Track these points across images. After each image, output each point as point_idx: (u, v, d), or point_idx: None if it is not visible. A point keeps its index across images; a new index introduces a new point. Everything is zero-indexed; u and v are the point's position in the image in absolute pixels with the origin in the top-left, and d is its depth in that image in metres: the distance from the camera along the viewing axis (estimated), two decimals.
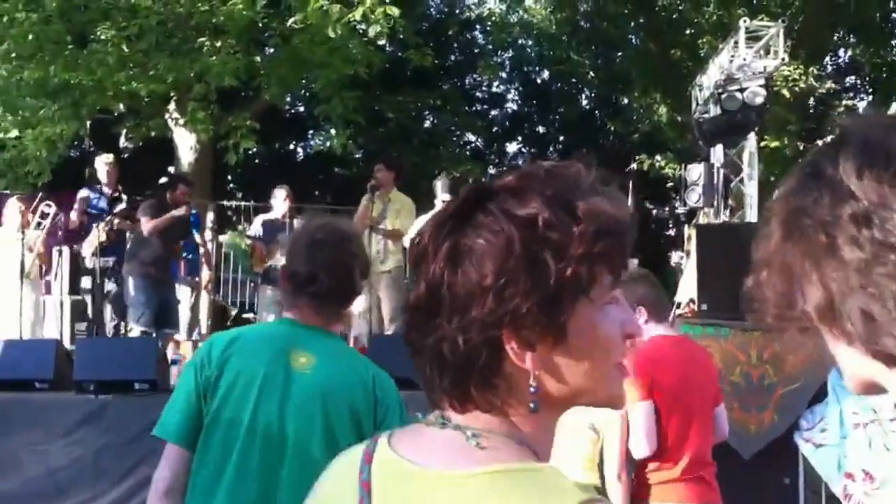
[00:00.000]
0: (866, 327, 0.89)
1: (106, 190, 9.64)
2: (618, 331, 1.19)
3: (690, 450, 4.17)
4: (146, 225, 8.84)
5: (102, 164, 9.73)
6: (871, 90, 22.75)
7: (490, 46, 24.42)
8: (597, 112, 26.33)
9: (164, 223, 8.87)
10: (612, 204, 1.18)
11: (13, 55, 10.13)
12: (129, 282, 8.79)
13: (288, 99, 16.31)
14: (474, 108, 24.79)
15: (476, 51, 24.85)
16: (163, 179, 10.03)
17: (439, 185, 9.64)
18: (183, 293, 9.92)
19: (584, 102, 26.63)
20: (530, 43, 24.78)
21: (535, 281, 1.12)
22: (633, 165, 18.25)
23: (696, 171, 11.45)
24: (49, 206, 9.88)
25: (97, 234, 9.36)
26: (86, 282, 9.85)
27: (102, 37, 10.80)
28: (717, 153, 11.95)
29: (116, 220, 9.46)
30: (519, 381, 1.15)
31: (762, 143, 13.71)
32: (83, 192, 9.77)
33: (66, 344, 9.49)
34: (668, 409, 4.20)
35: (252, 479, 2.65)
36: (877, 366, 0.92)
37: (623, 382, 1.23)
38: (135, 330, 9.10)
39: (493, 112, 26.57)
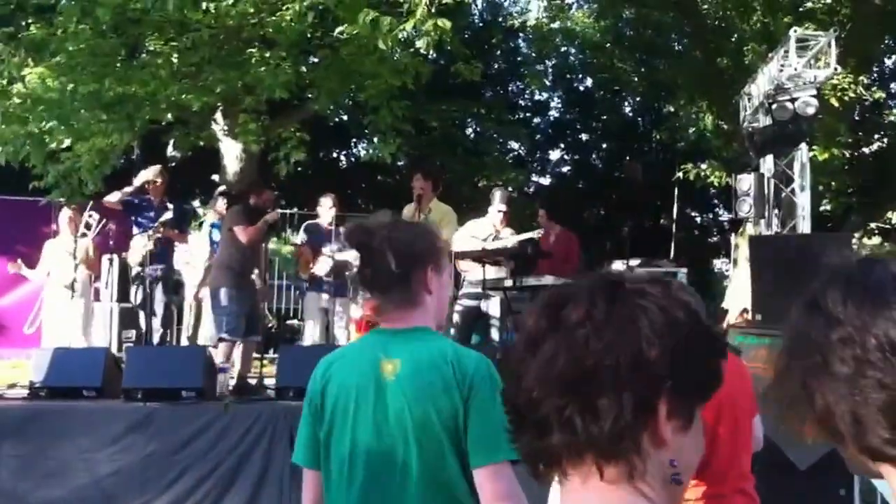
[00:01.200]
0: (854, 428, 1.13)
1: (153, 199, 9.66)
2: (701, 446, 1.34)
3: (736, 463, 4.09)
4: (242, 233, 8.69)
5: (154, 172, 9.78)
6: None
7: (533, 54, 24.36)
8: (640, 119, 26.20)
9: (260, 230, 8.79)
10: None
11: (67, 67, 10.19)
12: (222, 292, 8.69)
13: (333, 108, 16.35)
14: (517, 116, 24.76)
15: (519, 59, 24.82)
16: (221, 188, 10.15)
17: (497, 196, 9.60)
18: None
19: (628, 110, 26.52)
20: (573, 51, 24.69)
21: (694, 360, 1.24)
22: (679, 174, 18.15)
23: (746, 182, 11.32)
24: (91, 216, 9.97)
25: (144, 244, 9.42)
26: (135, 290, 9.93)
27: (154, 49, 10.91)
28: (768, 163, 11.81)
29: (161, 230, 9.48)
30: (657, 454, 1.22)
31: (811, 153, 13.52)
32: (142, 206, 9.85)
33: (115, 351, 9.59)
34: (715, 421, 4.15)
35: (362, 497, 2.63)
36: (868, 461, 1.16)
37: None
38: (213, 339, 9.07)
39: (536, 120, 26.52)
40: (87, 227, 10.01)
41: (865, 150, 19.87)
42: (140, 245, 9.49)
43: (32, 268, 10.21)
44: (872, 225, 21.08)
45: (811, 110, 10.99)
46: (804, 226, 10.93)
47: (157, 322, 9.62)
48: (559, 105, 27.19)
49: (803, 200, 11.26)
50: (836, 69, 11.97)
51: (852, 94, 15.83)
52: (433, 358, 2.64)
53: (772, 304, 6.94)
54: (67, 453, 7.47)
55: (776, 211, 11.41)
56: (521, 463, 1.28)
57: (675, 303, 1.23)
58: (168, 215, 9.59)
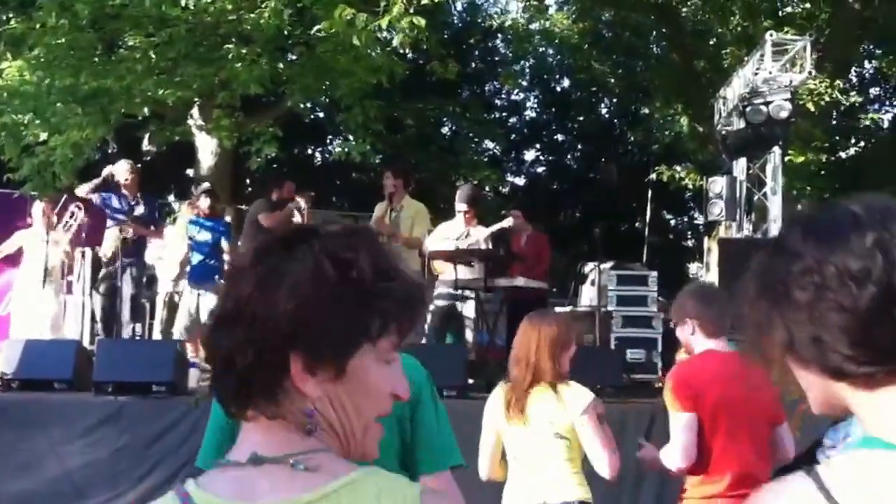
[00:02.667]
0: (816, 349, 1.24)
1: (126, 194, 9.64)
2: (387, 386, 1.33)
3: (737, 466, 4.11)
4: (266, 219, 8.85)
5: (124, 169, 9.76)
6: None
7: (511, 55, 24.44)
8: (616, 121, 26.31)
9: (287, 215, 8.87)
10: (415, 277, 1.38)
11: (44, 61, 10.22)
12: None
13: (308, 105, 16.34)
14: (493, 116, 24.80)
15: (497, 59, 24.88)
16: (205, 186, 10.21)
17: (457, 196, 9.65)
18: (210, 299, 9.94)
19: (604, 111, 26.62)
20: (551, 51, 24.78)
21: (333, 315, 1.27)
22: (653, 176, 18.27)
23: (718, 184, 11.42)
24: (79, 207, 9.97)
25: (115, 238, 9.41)
26: (106, 284, 9.91)
27: (131, 44, 10.93)
28: (740, 166, 11.92)
29: (132, 227, 9.49)
30: (298, 403, 1.28)
31: (786, 157, 13.64)
32: (111, 200, 9.83)
33: (87, 344, 9.56)
34: (712, 423, 4.17)
35: None
36: (830, 384, 1.27)
37: (377, 440, 1.35)
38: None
39: (512, 119, 26.57)
40: (72, 216, 9.99)
41: (842, 154, 20.05)
42: (112, 239, 9.48)
43: (11, 263, 10.24)
44: None
45: (785, 114, 11.10)
46: (775, 229, 10.99)
47: (126, 316, 9.62)
48: (536, 105, 27.29)
49: (775, 204, 11.36)
50: (811, 73, 12.10)
51: (828, 99, 15.96)
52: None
53: (739, 307, 6.98)
54: (39, 446, 7.45)
55: (748, 214, 11.50)
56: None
57: (334, 258, 1.27)
58: (140, 210, 9.56)
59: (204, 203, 10.02)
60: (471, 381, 8.09)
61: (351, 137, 12.54)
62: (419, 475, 2.50)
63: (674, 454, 4.18)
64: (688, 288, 4.38)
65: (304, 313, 1.24)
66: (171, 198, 18.08)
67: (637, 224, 24.45)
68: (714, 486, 4.18)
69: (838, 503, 1.17)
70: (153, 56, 10.64)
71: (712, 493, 4.18)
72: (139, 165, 10.52)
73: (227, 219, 11.26)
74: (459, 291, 9.18)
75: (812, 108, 15.55)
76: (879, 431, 1.24)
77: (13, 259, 10.18)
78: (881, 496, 1.18)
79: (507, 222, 9.60)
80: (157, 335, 10.58)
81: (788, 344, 1.26)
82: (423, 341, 8.87)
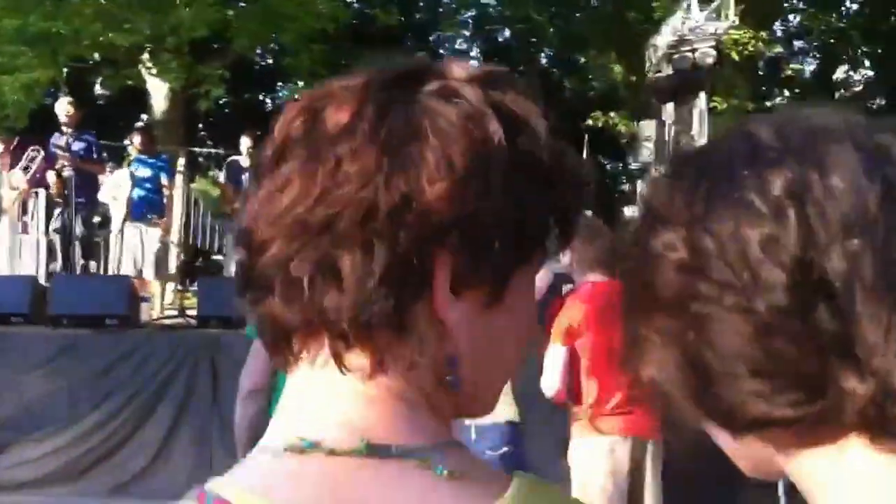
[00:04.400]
0: (698, 382, 0.71)
1: (67, 131, 9.78)
2: (533, 322, 0.85)
3: (620, 391, 4.33)
4: None
5: (63, 106, 9.90)
6: (818, 55, 23.39)
7: (454, 5, 24.76)
8: (555, 70, 26.76)
9: None
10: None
11: None
12: None
13: (258, 52, 16.52)
14: None
15: (440, 10, 25.19)
16: (138, 124, 10.42)
17: None
18: (153, 234, 10.30)
19: (544, 61, 27.04)
20: (493, 2, 25.13)
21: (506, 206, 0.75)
22: (589, 122, 18.72)
23: (648, 128, 11.88)
24: (37, 150, 10.15)
25: (59, 173, 9.61)
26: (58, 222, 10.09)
27: None
28: (668, 111, 12.40)
29: (74, 161, 9.59)
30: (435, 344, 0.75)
31: (712, 104, 14.18)
32: (56, 139, 10.00)
33: (42, 282, 9.84)
34: (593, 352, 4.45)
35: None
36: (745, 440, 0.73)
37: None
38: None
39: None
40: (31, 160, 10.13)
41: (768, 103, 20.71)
42: (55, 177, 9.68)
43: None
44: None
45: (710, 61, 11.58)
46: None
47: (79, 254, 9.87)
48: (478, 55, 27.60)
49: None
50: (734, 22, 12.60)
51: (752, 49, 16.54)
52: None
53: None
54: None
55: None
56: None
57: (503, 111, 0.76)
58: (78, 146, 9.73)
59: (136, 139, 10.39)
60: None
61: (300, 83, 12.83)
62: None
63: (550, 382, 4.51)
64: (587, 225, 4.39)
65: (459, 202, 0.72)
66: (127, 142, 18.18)
67: None
68: (601, 407, 4.50)
69: None
70: (102, 1, 10.81)
71: (599, 413, 4.51)
72: (93, 108, 10.70)
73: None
74: None
75: (736, 58, 16.12)
76: None
77: None
78: None
79: None
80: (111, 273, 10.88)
81: (653, 378, 0.74)
82: None
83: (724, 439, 0.74)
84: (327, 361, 0.75)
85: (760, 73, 19.70)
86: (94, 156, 10.19)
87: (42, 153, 10.11)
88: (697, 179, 0.72)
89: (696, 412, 0.73)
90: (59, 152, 9.71)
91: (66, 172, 9.66)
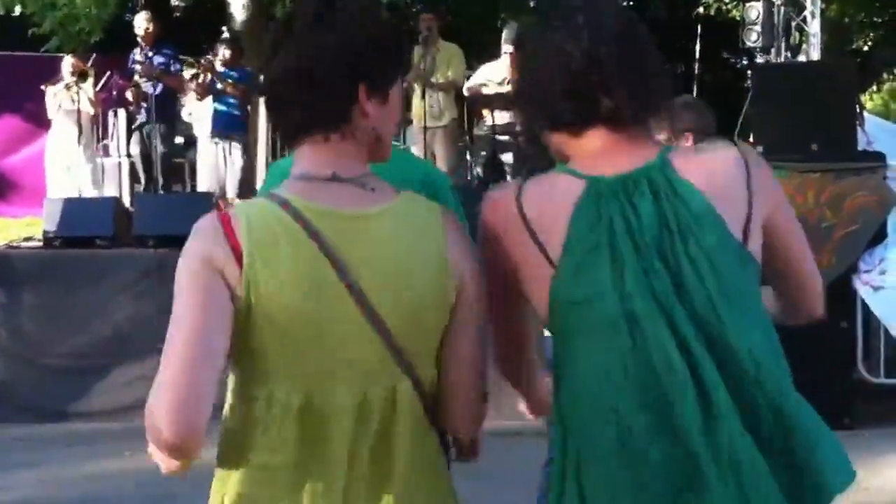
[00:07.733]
0: (538, 97, 1.92)
1: (144, 47, 9.48)
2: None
3: None
4: None
5: (140, 22, 9.59)
6: None
7: None
8: None
9: None
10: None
11: None
12: None
13: None
14: None
15: None
16: (223, 36, 9.97)
17: (503, 36, 9.41)
18: (236, 151, 9.92)
19: None
20: None
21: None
22: (700, 9, 17.66)
23: (754, 11, 10.85)
24: (113, 73, 9.87)
25: (135, 93, 9.36)
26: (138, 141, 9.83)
27: None
28: None
29: (156, 75, 9.32)
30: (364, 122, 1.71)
31: None
32: (135, 54, 9.66)
33: (126, 204, 9.64)
34: None
35: None
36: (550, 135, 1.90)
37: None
38: None
39: None
40: (110, 77, 9.90)
41: None
42: (134, 92, 9.41)
43: (40, 123, 10.24)
44: None
45: None
46: (815, 54, 10.48)
47: (160, 173, 9.60)
48: None
49: (814, 28, 10.77)
50: None
51: None
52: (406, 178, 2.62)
53: (775, 134, 6.74)
54: (85, 300, 7.55)
55: (786, 41, 10.96)
56: None
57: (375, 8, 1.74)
58: (159, 61, 9.42)
59: (224, 53, 9.91)
60: None
61: None
62: None
63: None
64: (680, 100, 4.15)
65: (371, 50, 1.68)
66: (210, 56, 17.92)
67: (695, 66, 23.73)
68: None
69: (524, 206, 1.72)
70: None
71: None
72: (171, 21, 10.33)
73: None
74: (498, 137, 9.07)
75: None
76: (572, 164, 1.78)
77: (45, 122, 10.16)
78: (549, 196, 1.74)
79: None
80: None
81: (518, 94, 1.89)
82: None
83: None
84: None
85: None
86: (175, 69, 9.86)
87: (115, 77, 9.79)
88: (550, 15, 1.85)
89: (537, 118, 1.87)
90: (139, 67, 9.42)
91: (147, 88, 9.36)
